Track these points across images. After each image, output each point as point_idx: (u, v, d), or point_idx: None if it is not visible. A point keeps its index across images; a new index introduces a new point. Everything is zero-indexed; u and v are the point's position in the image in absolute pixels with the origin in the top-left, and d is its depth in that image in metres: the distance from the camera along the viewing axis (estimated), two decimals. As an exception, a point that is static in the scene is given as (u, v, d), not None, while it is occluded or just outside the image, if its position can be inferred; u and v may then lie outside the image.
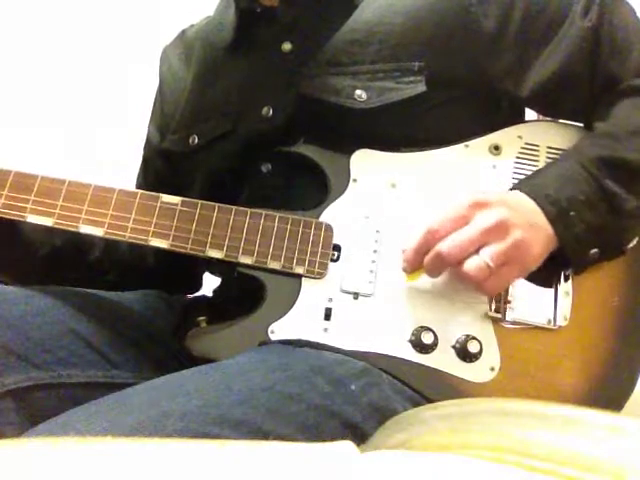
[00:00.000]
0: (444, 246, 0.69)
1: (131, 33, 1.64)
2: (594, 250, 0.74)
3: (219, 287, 0.95)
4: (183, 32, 1.03)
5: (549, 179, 0.75)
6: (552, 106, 0.85)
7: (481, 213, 0.70)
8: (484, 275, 0.69)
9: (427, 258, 0.71)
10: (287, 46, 0.83)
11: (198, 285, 1.06)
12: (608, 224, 0.74)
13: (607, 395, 0.75)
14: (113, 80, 1.65)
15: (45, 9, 1.67)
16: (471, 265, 0.69)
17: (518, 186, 0.76)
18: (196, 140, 0.88)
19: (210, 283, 1.01)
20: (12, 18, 1.67)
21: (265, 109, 0.82)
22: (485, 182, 0.80)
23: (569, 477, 0.37)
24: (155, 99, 1.05)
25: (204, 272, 1.03)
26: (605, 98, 0.80)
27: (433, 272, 0.72)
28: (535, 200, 0.73)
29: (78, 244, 0.91)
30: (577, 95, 0.82)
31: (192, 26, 1.04)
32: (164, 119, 1.00)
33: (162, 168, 0.99)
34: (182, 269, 0.96)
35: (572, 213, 0.72)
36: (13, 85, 1.64)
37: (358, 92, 0.77)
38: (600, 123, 0.79)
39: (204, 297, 0.97)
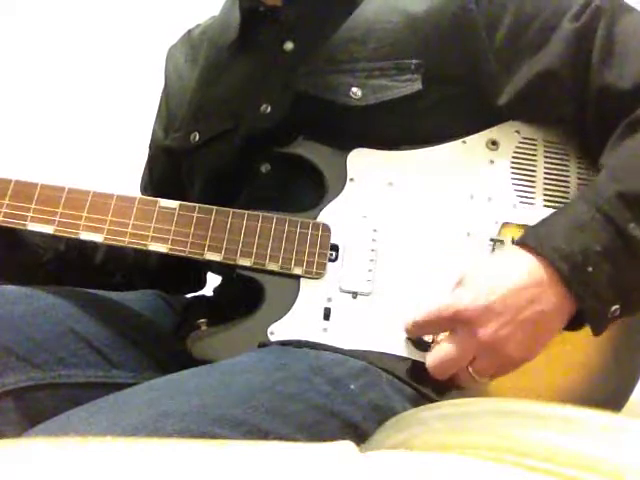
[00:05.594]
0: (431, 365, 0.69)
1: (134, 33, 1.64)
2: (615, 307, 0.66)
3: (219, 287, 0.95)
4: (189, 32, 1.04)
5: (558, 228, 0.67)
6: (534, 115, 0.80)
7: (466, 332, 0.66)
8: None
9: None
10: (289, 45, 0.83)
11: (202, 283, 1.06)
12: (629, 275, 0.66)
13: (608, 391, 0.75)
14: (116, 80, 1.65)
15: (49, 9, 1.67)
16: (463, 381, 0.69)
17: (523, 239, 0.69)
18: (197, 137, 0.88)
19: (211, 282, 1.01)
20: (14, 19, 1.66)
21: (263, 106, 0.82)
22: (483, 178, 0.79)
23: (569, 477, 0.37)
24: (160, 99, 1.05)
25: (207, 270, 1.04)
26: (609, 132, 0.74)
27: None
28: (543, 256, 0.65)
29: (82, 247, 0.92)
30: (562, 102, 0.77)
31: (198, 26, 1.04)
32: (169, 118, 1.00)
33: (166, 167, 0.99)
34: (186, 268, 0.96)
35: (589, 269, 0.64)
36: (14, 88, 1.64)
37: (354, 90, 0.77)
38: (610, 159, 0.72)
39: (204, 297, 0.98)
